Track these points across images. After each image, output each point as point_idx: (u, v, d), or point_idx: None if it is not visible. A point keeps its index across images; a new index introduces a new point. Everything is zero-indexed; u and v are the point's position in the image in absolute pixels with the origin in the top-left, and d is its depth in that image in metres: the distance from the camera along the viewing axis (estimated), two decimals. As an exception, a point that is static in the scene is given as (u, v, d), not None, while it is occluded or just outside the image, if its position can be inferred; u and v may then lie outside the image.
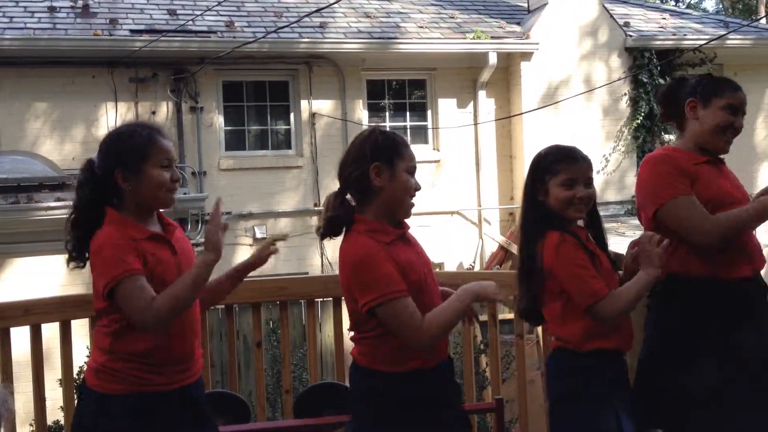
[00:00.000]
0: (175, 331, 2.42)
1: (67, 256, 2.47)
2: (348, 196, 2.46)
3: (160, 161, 2.43)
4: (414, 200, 2.48)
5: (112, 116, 9.78)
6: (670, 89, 2.92)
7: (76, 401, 2.62)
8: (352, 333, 2.47)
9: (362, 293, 2.32)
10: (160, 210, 2.55)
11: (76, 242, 2.45)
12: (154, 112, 9.91)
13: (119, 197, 2.45)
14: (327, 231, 2.45)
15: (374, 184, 2.40)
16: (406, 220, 2.51)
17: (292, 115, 10.69)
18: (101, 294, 2.35)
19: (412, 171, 2.45)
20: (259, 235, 10.26)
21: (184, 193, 9.53)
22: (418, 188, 2.47)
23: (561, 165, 2.60)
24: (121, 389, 2.39)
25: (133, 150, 2.41)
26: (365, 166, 2.39)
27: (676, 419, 2.69)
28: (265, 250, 2.63)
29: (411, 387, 2.37)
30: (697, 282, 2.69)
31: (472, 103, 11.09)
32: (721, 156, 2.86)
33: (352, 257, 2.36)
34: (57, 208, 7.60)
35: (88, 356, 4.03)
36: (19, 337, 3.12)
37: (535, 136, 10.34)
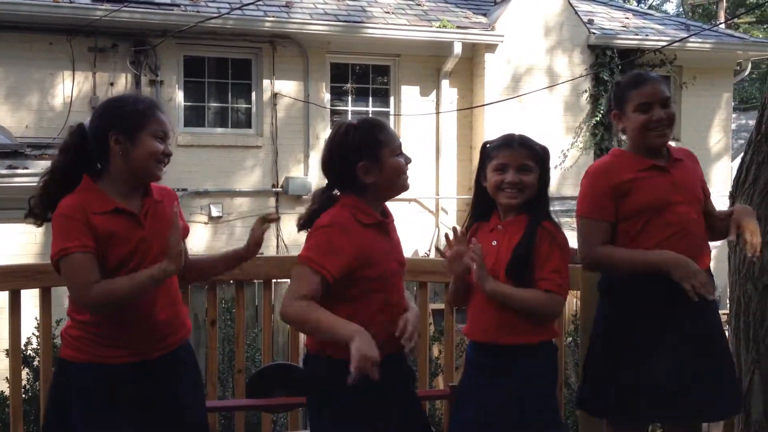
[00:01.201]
0: (134, 306, 2.38)
1: (26, 210, 2.43)
2: (336, 192, 2.46)
3: (156, 132, 2.42)
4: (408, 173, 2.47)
5: (69, 85, 9.58)
6: (606, 106, 3.01)
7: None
8: None
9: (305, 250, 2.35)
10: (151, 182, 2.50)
11: (40, 200, 2.41)
12: (112, 83, 9.73)
13: (104, 163, 2.42)
14: (307, 223, 2.43)
15: (366, 182, 2.38)
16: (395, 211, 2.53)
17: (253, 94, 10.59)
18: (52, 262, 2.35)
19: (398, 151, 2.44)
20: (215, 214, 10.17)
21: (140, 168, 9.39)
22: (408, 162, 2.46)
23: (496, 151, 2.63)
24: (78, 358, 2.40)
25: (134, 115, 2.40)
26: (351, 167, 2.37)
27: (617, 405, 2.76)
28: (258, 231, 2.58)
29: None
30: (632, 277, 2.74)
31: (435, 92, 11.12)
32: (680, 152, 2.90)
33: (320, 221, 2.36)
34: (9, 176, 7.43)
35: (36, 327, 3.97)
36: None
37: (496, 128, 10.38)
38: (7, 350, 3.14)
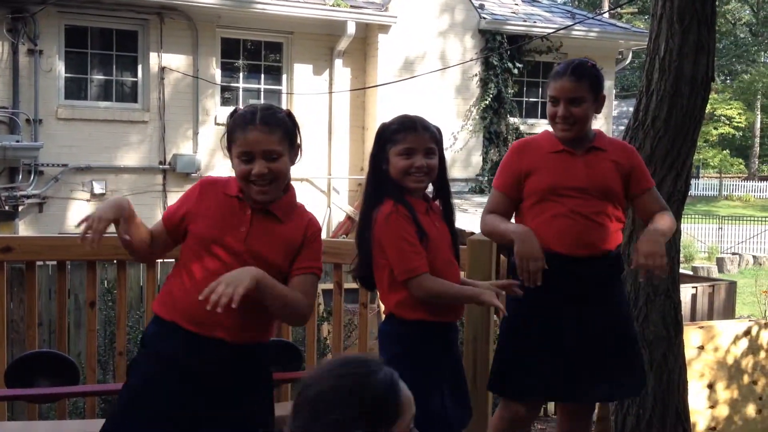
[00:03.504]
0: None
1: None
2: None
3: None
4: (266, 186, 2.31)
5: (-63, 52, 8.98)
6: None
7: None
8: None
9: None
10: None
11: None
12: (-14, 52, 9.19)
13: None
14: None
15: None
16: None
17: (140, 68, 10.23)
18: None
19: (247, 156, 2.27)
20: (97, 191, 9.80)
21: (17, 141, 8.93)
22: (257, 173, 2.27)
23: (401, 134, 2.61)
24: None
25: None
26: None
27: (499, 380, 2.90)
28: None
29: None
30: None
31: (328, 71, 11.05)
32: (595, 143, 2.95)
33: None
34: None
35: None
36: None
37: (388, 109, 10.46)
38: None
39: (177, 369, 2.26)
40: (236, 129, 2.28)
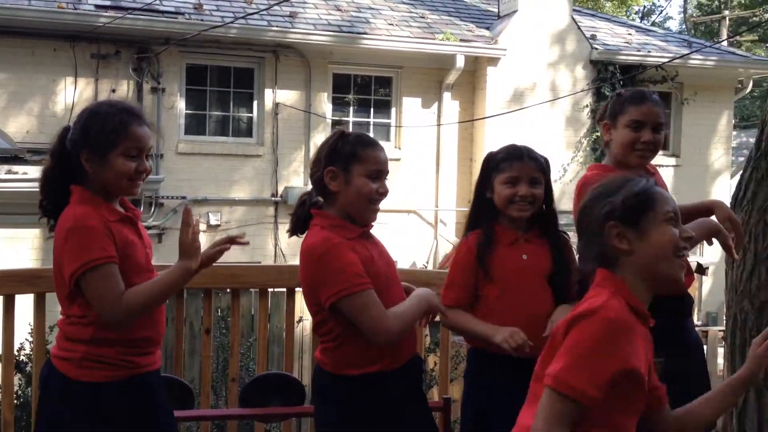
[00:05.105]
0: (153, 316, 2.37)
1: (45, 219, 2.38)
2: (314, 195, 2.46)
3: (128, 150, 2.29)
4: (378, 204, 2.42)
5: (71, 91, 9.59)
6: (601, 112, 2.96)
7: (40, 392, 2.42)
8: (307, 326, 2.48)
9: (326, 286, 2.28)
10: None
11: (43, 199, 2.36)
12: (114, 90, 9.74)
13: (85, 176, 2.33)
14: (291, 228, 2.49)
15: (330, 189, 2.39)
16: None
17: (255, 103, 10.60)
18: (68, 279, 2.23)
19: (374, 174, 2.38)
20: (213, 222, 10.16)
21: (140, 175, 9.38)
22: (381, 192, 2.39)
23: (506, 163, 2.62)
24: (113, 375, 2.29)
25: (102, 134, 2.29)
26: (322, 170, 2.39)
27: None
28: (217, 247, 2.39)
29: (374, 390, 2.35)
30: None
31: (436, 104, 11.13)
32: (651, 167, 2.88)
33: (315, 250, 2.31)
34: (8, 181, 7.42)
35: (30, 333, 3.93)
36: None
37: (497, 141, 10.33)
38: None
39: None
40: (365, 148, 2.40)
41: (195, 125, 10.47)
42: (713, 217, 2.68)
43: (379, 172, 2.40)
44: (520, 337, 2.42)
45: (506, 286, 2.54)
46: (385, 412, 2.35)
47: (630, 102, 2.78)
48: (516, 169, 2.59)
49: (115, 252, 2.24)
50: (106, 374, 2.28)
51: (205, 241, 11.38)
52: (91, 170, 2.30)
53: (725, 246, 2.57)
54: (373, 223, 2.48)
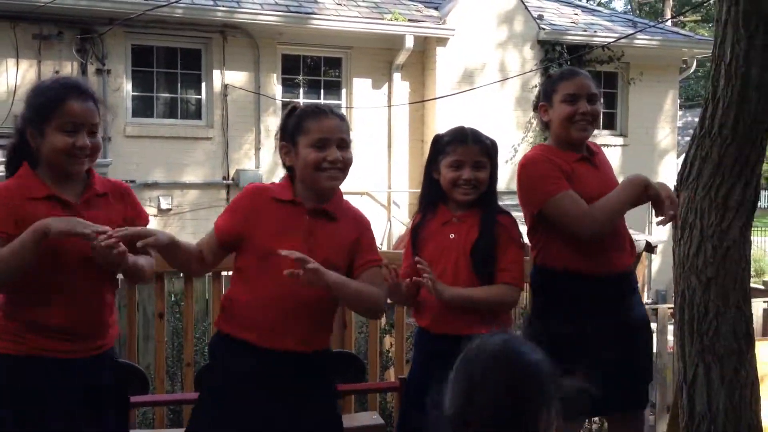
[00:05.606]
0: (59, 299, 2.28)
1: None
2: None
3: (63, 125, 2.25)
4: (338, 173, 2.37)
5: (12, 73, 9.34)
6: (535, 100, 3.02)
7: None
8: None
9: None
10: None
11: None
12: (57, 72, 9.49)
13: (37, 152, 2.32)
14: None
15: (285, 164, 2.40)
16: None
17: (203, 85, 10.46)
18: None
19: (318, 143, 2.33)
20: (164, 206, 10.03)
21: (87, 159, 9.19)
22: (331, 160, 2.33)
23: (452, 146, 2.65)
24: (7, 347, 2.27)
25: (40, 108, 2.28)
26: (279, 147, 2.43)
27: None
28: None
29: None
30: (564, 275, 2.77)
31: (386, 85, 11.11)
32: (595, 145, 2.96)
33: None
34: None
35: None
36: None
37: (447, 122, 10.37)
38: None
39: (251, 385, 2.30)
40: (307, 119, 2.36)
41: (142, 107, 10.28)
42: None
43: (324, 140, 2.34)
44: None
45: (430, 264, 2.58)
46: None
47: (561, 78, 2.84)
48: (460, 153, 2.63)
49: (7, 229, 2.20)
50: (5, 345, 2.26)
51: (158, 225, 11.17)
52: (34, 146, 2.30)
53: (657, 201, 2.65)
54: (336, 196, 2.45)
